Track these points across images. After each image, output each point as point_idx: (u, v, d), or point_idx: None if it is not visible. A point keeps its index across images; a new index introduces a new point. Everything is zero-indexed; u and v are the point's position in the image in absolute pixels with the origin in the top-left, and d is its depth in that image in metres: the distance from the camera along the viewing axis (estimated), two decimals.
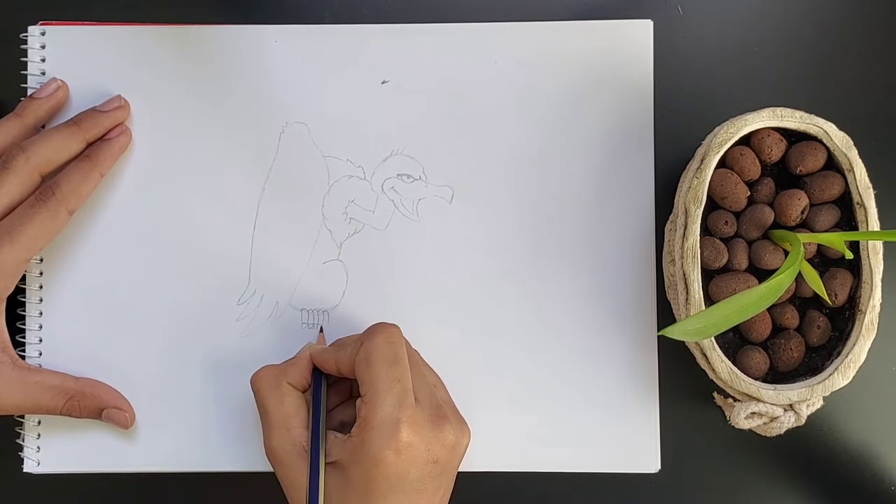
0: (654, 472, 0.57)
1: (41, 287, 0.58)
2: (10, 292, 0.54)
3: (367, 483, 0.48)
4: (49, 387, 0.55)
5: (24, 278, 0.57)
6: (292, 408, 0.52)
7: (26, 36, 0.58)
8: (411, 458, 0.48)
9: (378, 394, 0.49)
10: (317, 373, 0.53)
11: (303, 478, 0.50)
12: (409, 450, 0.48)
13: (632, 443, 0.57)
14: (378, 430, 0.48)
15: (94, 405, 0.56)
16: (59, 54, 0.58)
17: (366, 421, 0.49)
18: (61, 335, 0.57)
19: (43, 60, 0.58)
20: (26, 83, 0.58)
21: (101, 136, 0.57)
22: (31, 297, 0.57)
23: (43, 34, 0.58)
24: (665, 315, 0.57)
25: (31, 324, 0.57)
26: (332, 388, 0.55)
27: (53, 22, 0.58)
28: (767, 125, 0.52)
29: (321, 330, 0.57)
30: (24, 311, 0.57)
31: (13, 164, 0.53)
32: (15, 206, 0.54)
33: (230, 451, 0.57)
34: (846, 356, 0.51)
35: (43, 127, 0.57)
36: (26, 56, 0.58)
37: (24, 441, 0.57)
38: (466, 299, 0.58)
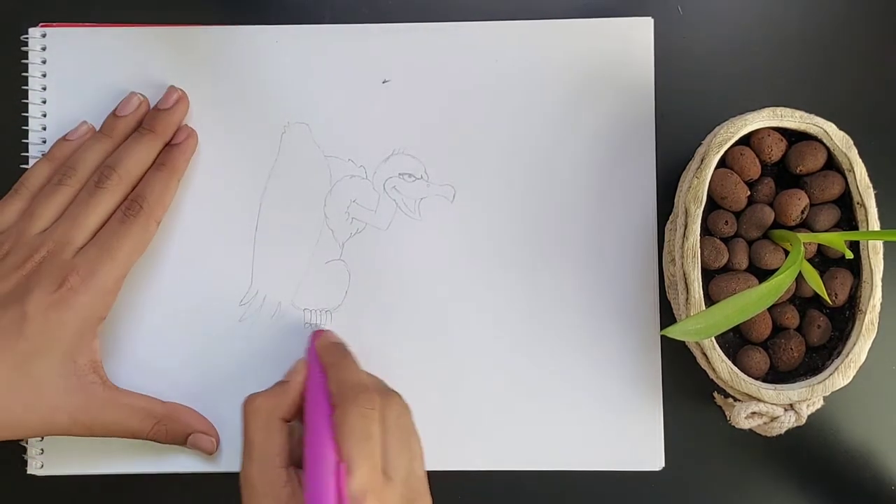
0: (657, 469, 0.57)
1: None
2: (108, 311, 0.54)
3: None
4: (138, 409, 0.54)
5: None
6: (278, 445, 0.50)
7: (27, 38, 0.58)
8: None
9: (349, 464, 0.47)
10: None
11: None
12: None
13: (635, 441, 0.57)
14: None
15: (182, 430, 0.55)
16: (59, 56, 0.58)
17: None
18: None
19: (44, 62, 0.58)
20: (27, 85, 0.58)
21: (172, 138, 0.57)
22: None
23: (44, 36, 0.58)
24: (667, 314, 0.57)
25: None
26: None
27: (54, 24, 0.58)
28: (767, 125, 0.52)
29: (313, 332, 0.57)
30: None
31: (108, 184, 0.54)
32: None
33: (233, 453, 0.57)
34: (846, 356, 0.51)
35: None
36: (27, 58, 0.58)
37: (27, 443, 0.57)
38: (469, 298, 0.58)
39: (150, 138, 0.56)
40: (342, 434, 0.47)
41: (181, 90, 0.57)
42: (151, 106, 0.58)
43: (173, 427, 0.55)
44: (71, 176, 0.55)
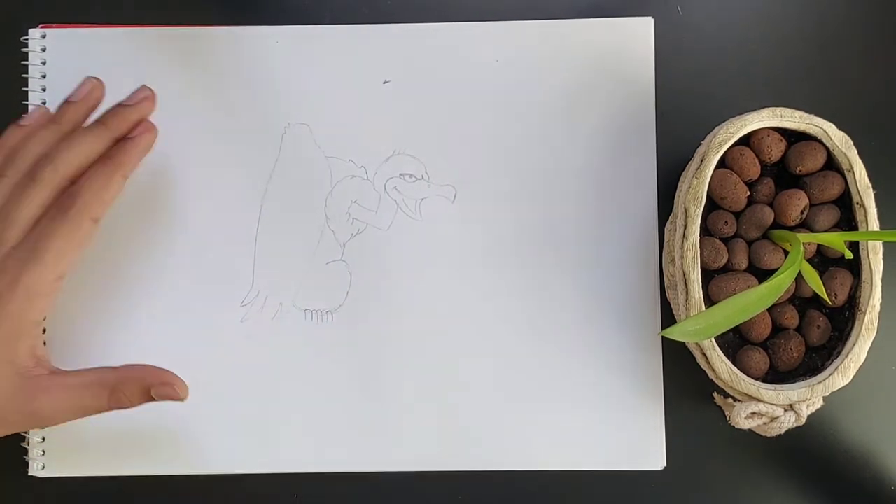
0: (659, 469, 0.57)
1: None
2: (45, 314, 0.52)
3: None
4: (88, 385, 0.51)
5: None
6: None
7: (27, 39, 0.58)
8: None
9: None
10: None
11: None
12: None
13: (636, 441, 0.57)
14: None
15: (139, 389, 0.51)
16: (59, 57, 0.59)
17: None
18: (63, 338, 0.58)
19: (44, 63, 0.58)
20: (27, 86, 0.58)
21: (126, 132, 0.53)
22: None
23: (43, 37, 0.58)
24: (667, 314, 0.57)
25: None
26: None
27: (54, 25, 0.58)
28: (767, 125, 0.52)
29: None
30: None
31: (41, 176, 0.50)
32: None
33: (233, 454, 0.57)
34: (846, 356, 0.51)
35: None
36: (27, 59, 0.58)
37: (28, 444, 0.58)
38: (469, 298, 0.58)
39: (99, 131, 0.52)
40: None
41: (152, 91, 0.54)
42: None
43: (130, 390, 0.51)
44: (10, 167, 0.51)
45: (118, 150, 0.53)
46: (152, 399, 0.52)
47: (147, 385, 0.52)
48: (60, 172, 0.51)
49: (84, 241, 0.51)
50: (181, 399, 0.52)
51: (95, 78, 0.54)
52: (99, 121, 0.53)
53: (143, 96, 0.54)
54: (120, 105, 0.54)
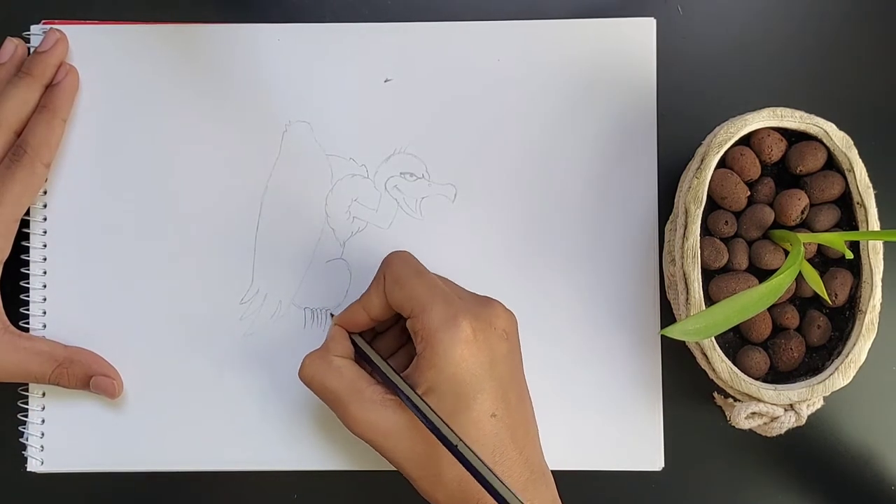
0: (657, 470, 0.57)
1: (45, 300, 0.58)
2: (6, 255, 0.55)
3: (457, 388, 0.48)
4: (39, 353, 0.55)
5: (28, 289, 0.58)
6: (353, 374, 0.51)
7: (29, 34, 0.58)
8: (483, 342, 0.49)
9: (423, 303, 0.49)
10: (355, 335, 0.54)
11: (400, 424, 0.49)
12: (477, 336, 0.48)
13: (636, 441, 0.57)
14: (441, 332, 0.48)
15: (83, 373, 0.56)
16: None
17: (425, 331, 0.49)
18: (61, 333, 0.58)
19: None
20: None
21: (52, 78, 0.57)
22: (34, 311, 0.58)
23: (45, 33, 0.58)
24: (667, 314, 0.57)
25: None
26: (375, 345, 0.55)
27: (56, 21, 0.58)
28: (767, 125, 0.52)
29: (331, 315, 0.57)
30: (28, 323, 0.58)
31: None
32: None
33: (233, 451, 0.57)
34: (846, 356, 0.51)
35: None
36: (30, 55, 0.58)
37: (27, 440, 0.58)
38: None
39: (27, 81, 0.56)
40: (401, 280, 0.51)
41: (60, 31, 0.57)
42: None
43: (74, 370, 0.56)
44: None
45: (51, 98, 0.56)
46: (88, 388, 0.56)
47: (90, 372, 0.56)
48: (3, 125, 0.55)
49: (38, 185, 0.56)
50: (112, 396, 0.56)
51: (18, 39, 0.58)
52: (23, 71, 0.56)
53: (55, 39, 0.57)
54: (37, 53, 0.57)
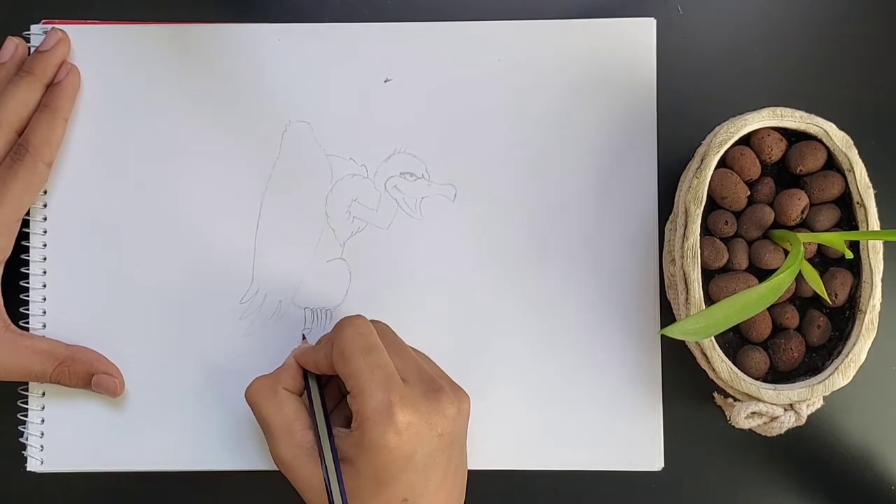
0: (657, 469, 0.57)
1: (45, 299, 0.58)
2: (7, 254, 0.55)
3: (377, 471, 0.48)
4: (40, 351, 0.55)
5: (28, 289, 0.58)
6: (292, 412, 0.52)
7: (29, 34, 0.58)
8: (414, 436, 0.49)
9: (362, 384, 0.49)
10: (308, 374, 0.54)
11: (315, 478, 0.50)
12: (409, 429, 0.48)
13: (635, 441, 0.57)
14: (373, 418, 0.48)
15: (84, 371, 0.56)
16: None
17: (360, 413, 0.49)
18: (62, 332, 0.58)
19: None
20: None
21: (54, 77, 0.57)
22: (34, 310, 0.58)
23: (46, 33, 0.58)
24: (667, 314, 0.57)
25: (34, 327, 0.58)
26: (329, 386, 0.55)
27: (57, 21, 0.58)
28: (767, 125, 0.52)
29: (304, 337, 0.57)
30: (28, 322, 0.58)
31: None
32: None
33: (233, 450, 0.57)
34: (846, 356, 0.51)
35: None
36: (30, 54, 0.58)
37: (27, 440, 0.58)
38: (469, 298, 0.58)
39: (28, 80, 0.56)
40: (347, 354, 0.50)
41: (62, 31, 0.57)
42: None
43: (76, 368, 0.56)
44: None
45: (52, 97, 0.56)
46: (89, 386, 0.56)
47: (92, 371, 0.56)
48: (5, 124, 0.55)
49: (40, 185, 0.56)
50: (114, 395, 0.56)
51: (19, 38, 0.58)
52: (25, 70, 0.56)
53: (57, 38, 0.57)
54: (38, 52, 0.57)
